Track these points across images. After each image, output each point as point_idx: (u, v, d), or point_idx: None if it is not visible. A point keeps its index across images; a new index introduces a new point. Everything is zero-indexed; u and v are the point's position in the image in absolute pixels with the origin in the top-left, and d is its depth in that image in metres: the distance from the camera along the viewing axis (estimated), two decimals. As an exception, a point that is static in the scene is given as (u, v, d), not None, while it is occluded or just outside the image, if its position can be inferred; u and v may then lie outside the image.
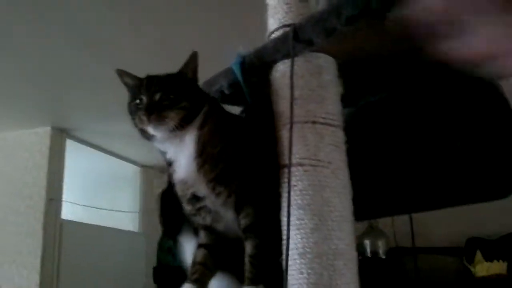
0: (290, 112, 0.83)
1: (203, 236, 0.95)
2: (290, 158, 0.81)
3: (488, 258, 3.69)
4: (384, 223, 3.90)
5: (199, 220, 0.94)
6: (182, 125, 0.89)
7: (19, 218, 3.88)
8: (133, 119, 0.93)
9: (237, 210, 0.89)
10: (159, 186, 5.12)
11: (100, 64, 3.05)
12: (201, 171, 0.88)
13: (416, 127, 1.01)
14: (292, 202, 0.80)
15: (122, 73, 0.99)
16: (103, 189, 4.79)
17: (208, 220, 0.93)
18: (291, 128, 0.82)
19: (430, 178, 1.02)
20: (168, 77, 0.95)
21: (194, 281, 0.90)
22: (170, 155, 0.93)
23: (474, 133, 0.96)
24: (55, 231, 3.91)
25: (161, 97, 0.89)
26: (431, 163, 1.01)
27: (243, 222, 0.89)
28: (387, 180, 1.02)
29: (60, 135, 4.12)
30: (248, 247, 0.88)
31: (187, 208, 0.94)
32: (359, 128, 1.02)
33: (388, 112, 1.04)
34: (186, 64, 0.95)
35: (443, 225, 3.76)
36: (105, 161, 4.74)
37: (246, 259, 0.88)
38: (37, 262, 3.73)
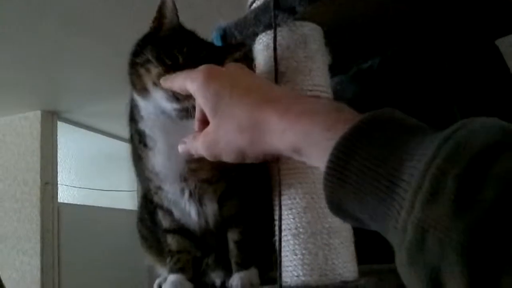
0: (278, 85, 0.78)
1: (162, 218, 0.86)
2: (278, 135, 0.76)
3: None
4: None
5: (156, 199, 0.86)
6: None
7: (16, 204, 3.87)
8: (142, 66, 0.75)
9: (219, 204, 0.83)
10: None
11: (89, 44, 2.98)
12: (193, 172, 0.80)
13: (412, 92, 0.96)
14: (282, 181, 0.75)
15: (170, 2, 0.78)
16: (99, 169, 4.76)
17: (166, 203, 0.85)
18: (277, 103, 0.77)
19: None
20: (213, 50, 0.81)
21: (180, 270, 0.84)
22: (154, 137, 0.80)
23: (475, 97, 0.91)
24: (53, 215, 3.90)
25: None
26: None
27: (226, 213, 0.84)
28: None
29: (51, 117, 4.07)
30: (234, 234, 0.83)
31: (145, 183, 0.85)
32: (351, 98, 0.97)
33: (381, 78, 0.99)
34: (232, 45, 0.84)
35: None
36: (99, 141, 4.71)
37: (232, 245, 0.83)
38: (37, 247, 3.73)
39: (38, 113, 3.99)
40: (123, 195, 4.92)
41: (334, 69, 0.89)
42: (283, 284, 0.73)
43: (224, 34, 0.91)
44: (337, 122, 0.39)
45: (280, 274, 0.72)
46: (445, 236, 0.28)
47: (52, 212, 3.90)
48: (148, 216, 0.95)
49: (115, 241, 4.37)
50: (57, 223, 3.91)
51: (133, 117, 0.83)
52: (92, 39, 2.91)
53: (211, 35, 0.96)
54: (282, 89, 0.52)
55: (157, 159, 0.80)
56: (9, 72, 3.29)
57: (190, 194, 0.82)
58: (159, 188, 0.83)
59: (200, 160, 0.63)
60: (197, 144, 0.53)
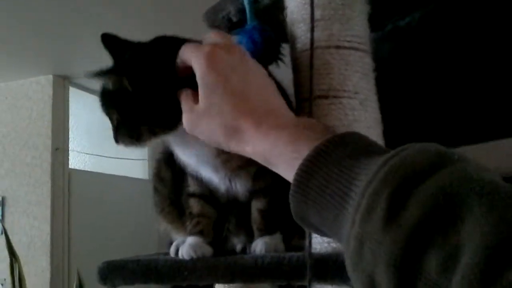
0: (310, 35, 0.71)
1: (191, 184, 0.82)
2: (311, 90, 0.70)
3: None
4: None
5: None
6: None
7: (27, 169, 3.84)
8: None
9: (252, 181, 0.78)
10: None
11: (100, 8, 2.90)
12: (224, 163, 0.75)
13: (452, 54, 0.88)
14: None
15: None
16: (110, 136, 4.71)
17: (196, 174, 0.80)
18: (311, 54, 0.70)
19: (464, 109, 0.90)
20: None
21: (199, 233, 0.79)
22: (180, 140, 0.76)
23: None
24: (63, 181, 3.87)
25: None
26: (468, 95, 0.89)
27: (257, 187, 0.78)
28: (419, 113, 0.91)
29: (62, 82, 4.01)
30: (259, 203, 0.78)
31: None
32: (387, 57, 0.90)
33: (421, 36, 0.91)
34: None
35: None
36: (110, 109, 4.65)
37: (256, 213, 0.78)
38: (47, 213, 3.71)
39: (50, 77, 3.91)
40: (133, 164, 4.88)
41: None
42: (307, 253, 0.67)
43: (252, -20, 0.84)
44: (299, 138, 0.46)
45: (310, 241, 0.66)
46: (377, 248, 0.33)
47: (63, 178, 3.88)
48: (166, 179, 0.91)
49: (125, 209, 4.36)
50: (67, 189, 3.89)
51: None
52: (104, 3, 2.84)
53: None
54: (269, 97, 0.55)
55: (186, 154, 0.77)
56: (21, 35, 3.22)
57: (222, 177, 0.79)
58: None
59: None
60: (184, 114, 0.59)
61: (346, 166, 0.39)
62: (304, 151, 0.43)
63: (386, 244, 0.32)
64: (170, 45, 0.66)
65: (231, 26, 0.92)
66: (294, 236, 0.81)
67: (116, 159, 4.52)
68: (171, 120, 0.67)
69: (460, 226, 0.30)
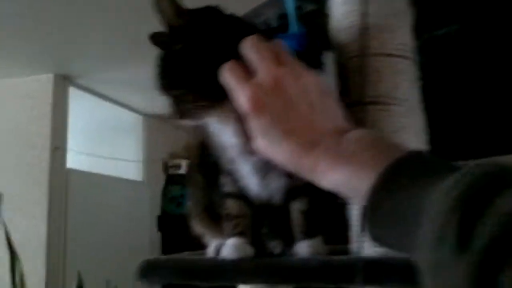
0: (362, 42, 0.72)
1: (228, 183, 0.81)
2: (362, 95, 0.71)
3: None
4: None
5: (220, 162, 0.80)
6: None
7: (25, 167, 3.82)
8: None
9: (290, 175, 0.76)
10: (162, 135, 5.05)
11: (104, 7, 2.90)
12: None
13: (489, 66, 0.90)
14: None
15: None
16: (106, 137, 4.71)
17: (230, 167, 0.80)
18: (363, 61, 0.72)
19: (504, 120, 0.92)
20: None
21: (240, 234, 0.79)
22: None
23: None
24: (61, 180, 3.85)
25: None
26: (506, 104, 0.91)
27: (293, 184, 0.77)
28: (455, 122, 0.92)
29: (63, 82, 4.00)
30: (300, 204, 0.77)
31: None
32: (425, 65, 0.91)
33: (457, 48, 0.93)
34: None
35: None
36: (108, 110, 4.64)
37: (297, 215, 0.77)
38: (44, 211, 3.69)
39: (51, 76, 3.90)
40: (129, 165, 4.87)
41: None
42: (357, 256, 0.68)
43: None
44: (361, 169, 0.48)
45: (359, 246, 0.67)
46: (452, 275, 0.34)
47: (60, 177, 3.86)
48: (199, 184, 0.90)
49: (120, 210, 4.35)
50: (64, 189, 3.87)
51: None
52: (106, 3, 2.84)
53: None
54: (322, 124, 0.56)
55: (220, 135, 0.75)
56: (23, 33, 3.21)
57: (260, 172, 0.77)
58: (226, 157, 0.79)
59: None
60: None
61: (414, 193, 0.42)
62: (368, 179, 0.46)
63: (460, 271, 0.33)
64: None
65: (270, 31, 0.93)
66: (340, 240, 0.82)
67: (112, 160, 4.51)
68: (218, 92, 0.65)
69: None
